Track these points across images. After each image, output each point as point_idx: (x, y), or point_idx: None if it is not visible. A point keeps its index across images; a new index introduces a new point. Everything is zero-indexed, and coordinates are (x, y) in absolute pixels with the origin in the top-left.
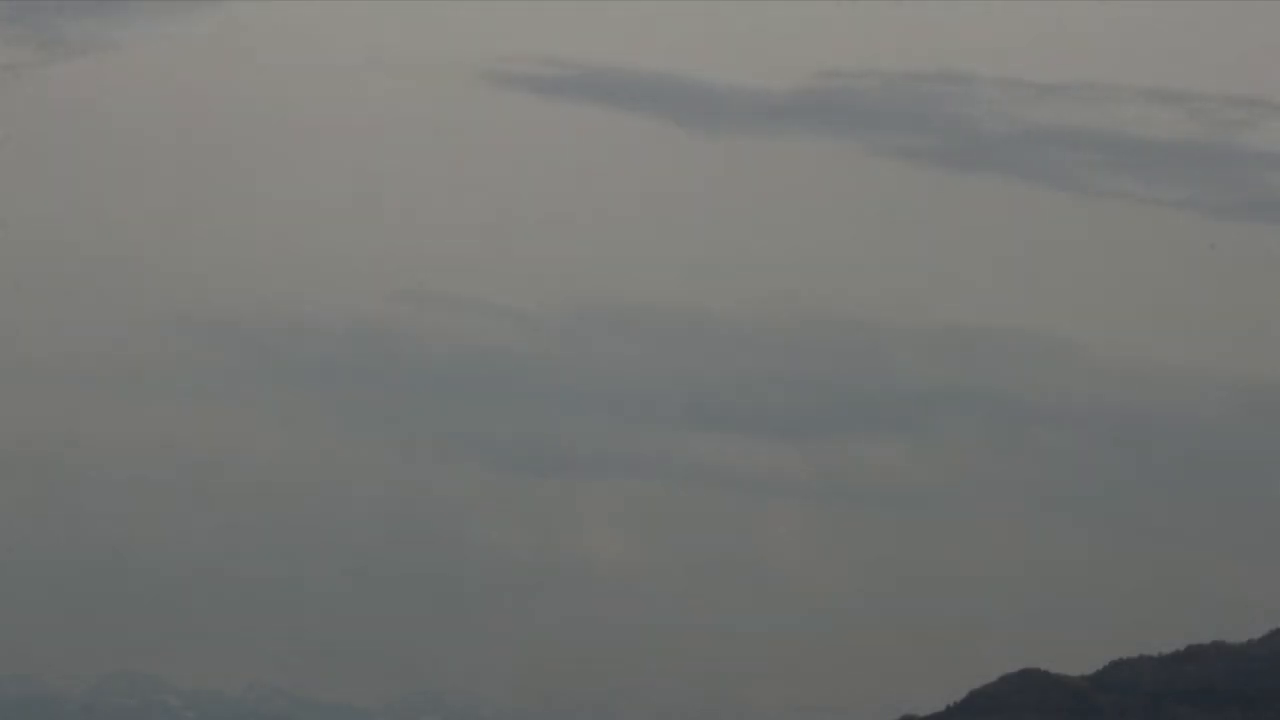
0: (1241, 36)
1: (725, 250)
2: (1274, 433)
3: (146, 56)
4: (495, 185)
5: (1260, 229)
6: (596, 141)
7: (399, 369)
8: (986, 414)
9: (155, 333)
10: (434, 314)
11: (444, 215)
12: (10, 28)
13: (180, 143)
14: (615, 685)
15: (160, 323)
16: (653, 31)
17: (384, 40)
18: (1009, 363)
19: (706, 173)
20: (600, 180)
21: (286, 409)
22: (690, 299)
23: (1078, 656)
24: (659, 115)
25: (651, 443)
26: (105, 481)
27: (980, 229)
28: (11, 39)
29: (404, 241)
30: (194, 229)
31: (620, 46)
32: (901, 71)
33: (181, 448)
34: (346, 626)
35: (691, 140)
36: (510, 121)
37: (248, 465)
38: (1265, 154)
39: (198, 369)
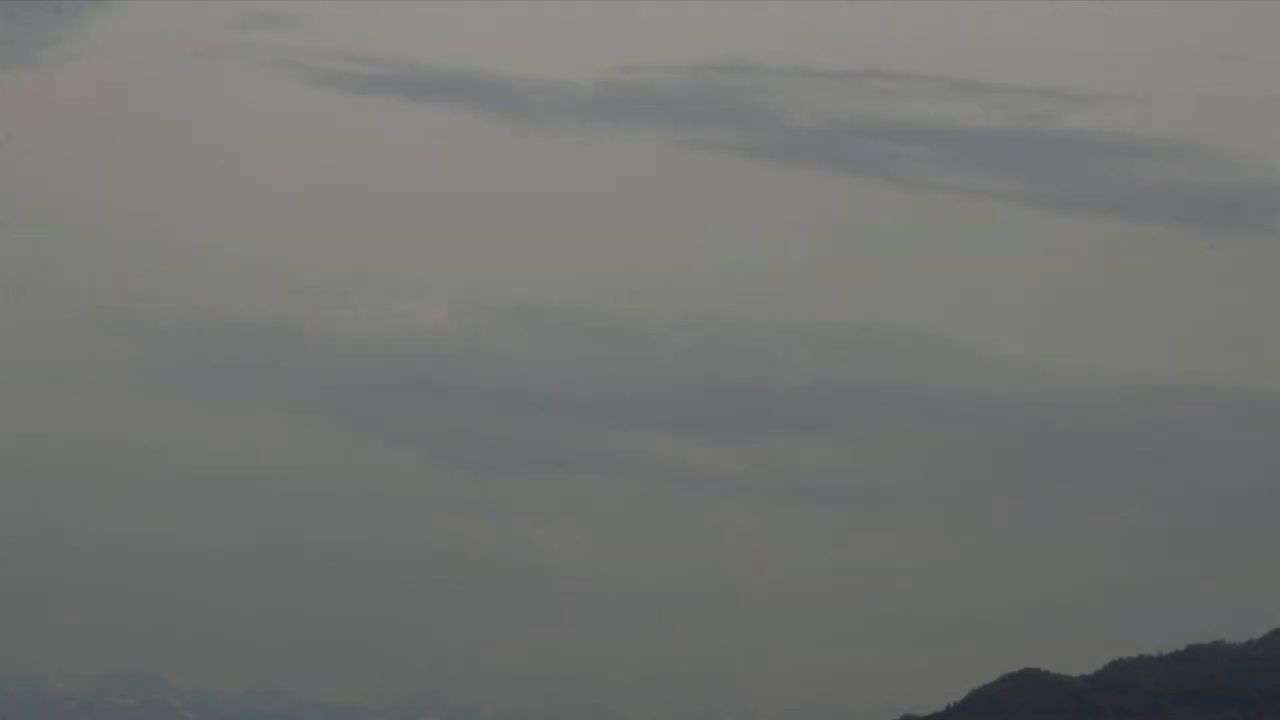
0: (1033, 28)
1: (569, 248)
2: (1142, 425)
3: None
4: (328, 183)
5: (1091, 221)
6: (408, 136)
7: (345, 369)
8: (898, 411)
9: (173, 334)
10: (326, 313)
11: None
12: None
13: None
14: (615, 685)
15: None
16: (457, 28)
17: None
18: (901, 361)
19: (532, 169)
20: (423, 177)
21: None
22: (575, 297)
23: (1078, 656)
24: (466, 110)
25: (600, 442)
26: (105, 482)
27: (819, 225)
28: None
29: (292, 241)
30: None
31: (425, 42)
32: (693, 64)
33: (181, 448)
34: (347, 626)
35: (512, 136)
36: (324, 118)
37: (247, 466)
38: (1080, 144)
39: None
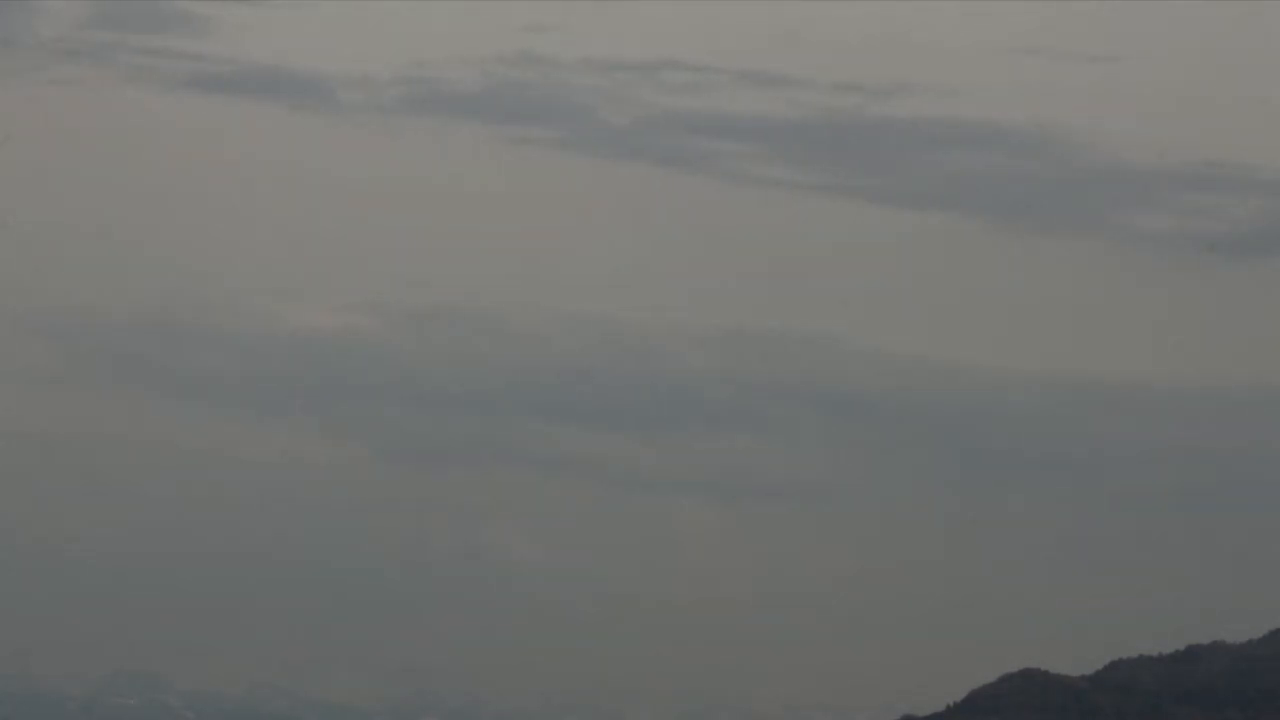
0: (825, 22)
1: (418, 245)
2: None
3: None
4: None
5: (925, 214)
6: (221, 131)
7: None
8: (812, 408)
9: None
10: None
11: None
12: None
13: None
14: (615, 685)
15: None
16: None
17: None
18: (791, 358)
19: (356, 164)
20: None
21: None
22: (447, 295)
23: (1078, 656)
24: (279, 106)
25: (546, 440)
26: (105, 481)
27: (662, 223)
28: None
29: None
30: None
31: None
32: (483, 58)
33: (182, 448)
34: (346, 626)
35: (326, 130)
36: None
37: (246, 467)
38: (899, 137)
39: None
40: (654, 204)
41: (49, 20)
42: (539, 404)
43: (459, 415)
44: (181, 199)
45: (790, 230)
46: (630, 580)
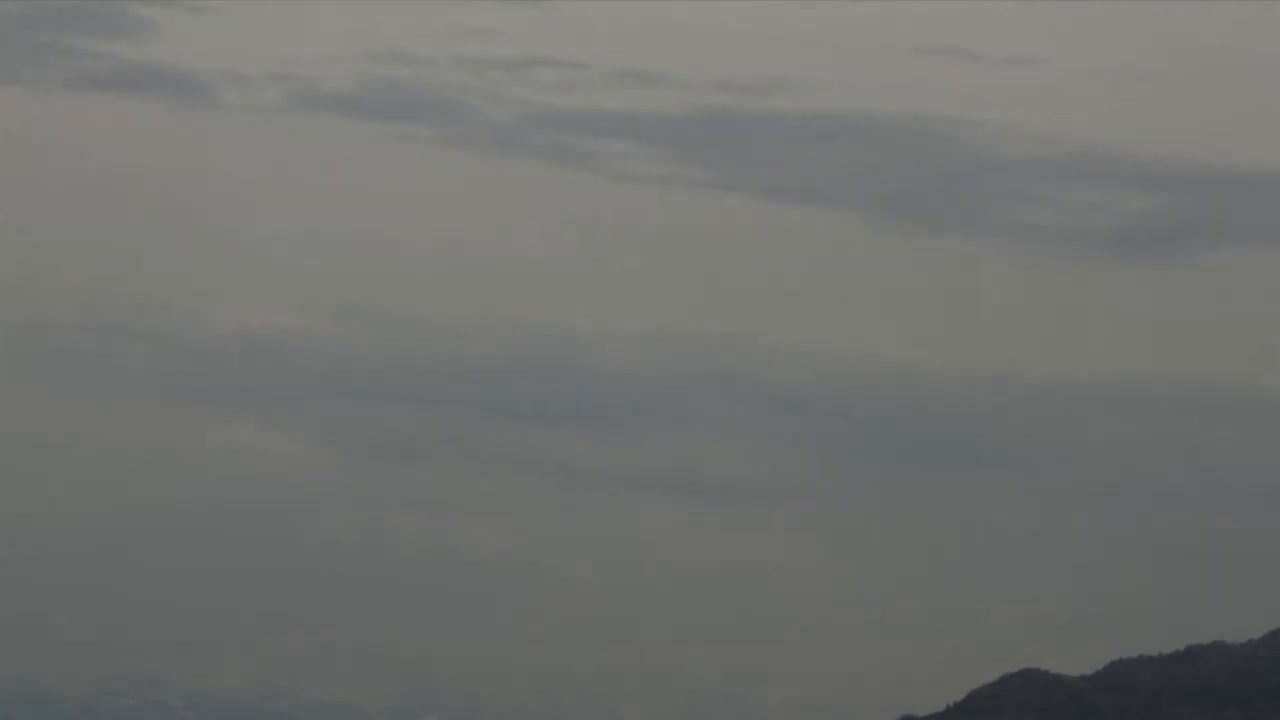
0: (691, 20)
1: (327, 244)
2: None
3: None
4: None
5: (819, 211)
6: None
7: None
8: (745, 405)
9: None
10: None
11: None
12: None
13: None
14: (615, 685)
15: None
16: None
17: None
18: (714, 357)
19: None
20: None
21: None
22: (368, 294)
23: (1078, 656)
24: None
25: (512, 440)
26: (105, 481)
27: (564, 223)
28: None
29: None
30: None
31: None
32: (353, 56)
33: (181, 449)
34: (346, 626)
35: (209, 128)
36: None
37: (246, 467)
38: (781, 133)
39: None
40: (548, 202)
41: None
42: (480, 402)
43: (412, 414)
44: (73, 199)
45: (686, 228)
46: (625, 579)
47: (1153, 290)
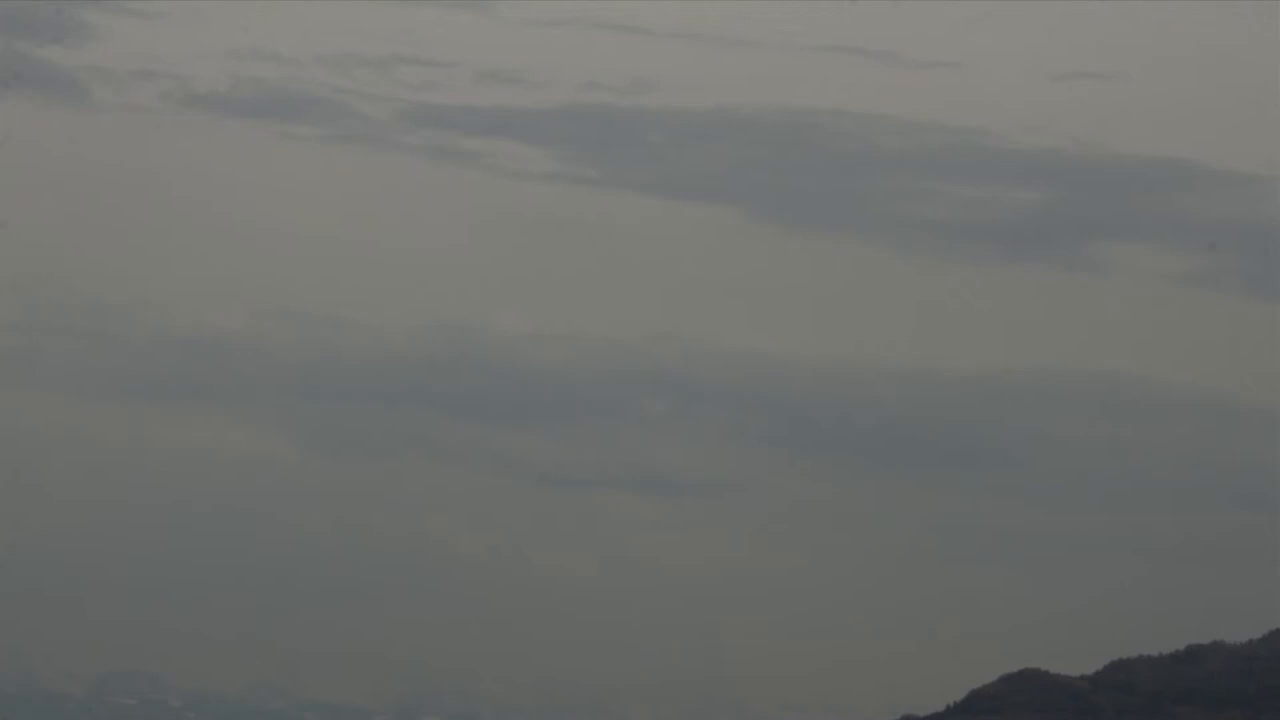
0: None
1: (246, 245)
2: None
3: None
4: None
5: (704, 207)
6: None
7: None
8: (667, 400)
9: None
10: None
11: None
12: None
13: None
14: (615, 685)
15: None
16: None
17: None
18: (648, 356)
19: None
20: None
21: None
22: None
23: (1078, 656)
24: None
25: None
26: (105, 481)
27: (460, 222)
28: None
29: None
30: None
31: None
32: (224, 53)
33: (180, 449)
34: (347, 626)
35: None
36: None
37: (245, 467)
38: (659, 130)
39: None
40: (441, 200)
41: None
42: (426, 400)
43: (366, 412)
44: None
45: (580, 224)
46: (614, 578)
47: (1041, 285)
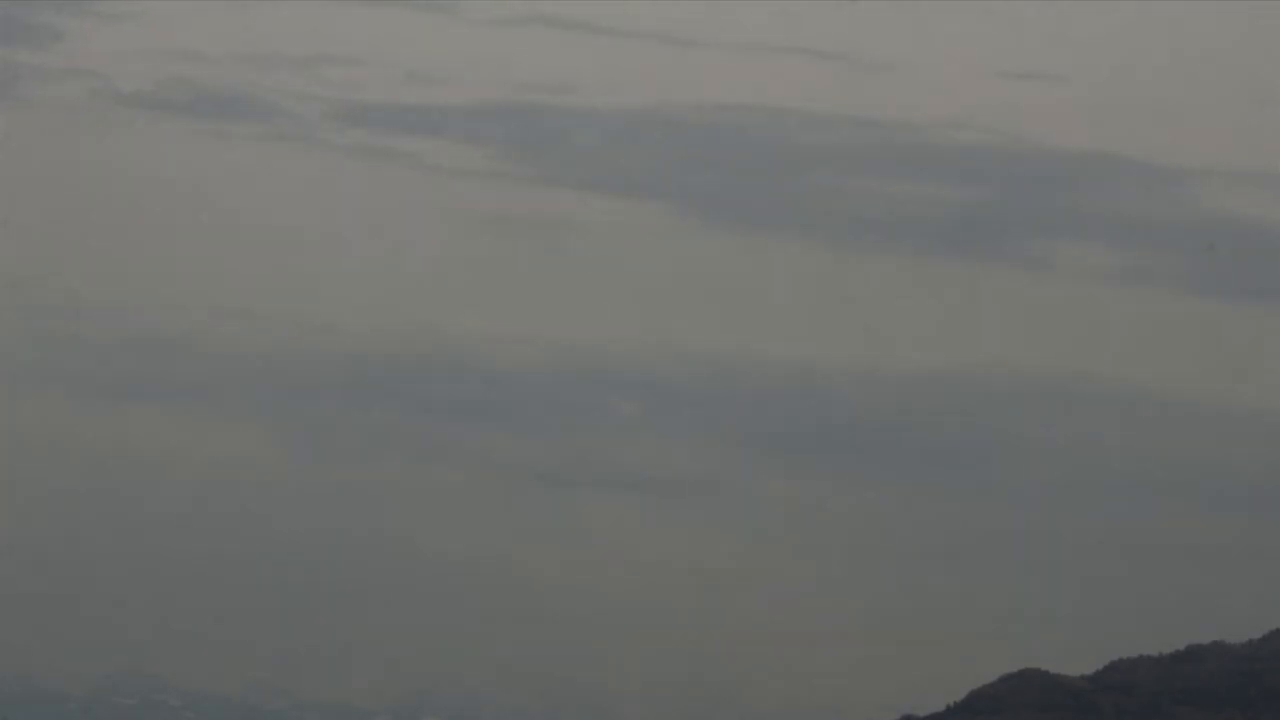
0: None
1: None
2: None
3: None
4: None
5: (640, 204)
6: None
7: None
8: (633, 401)
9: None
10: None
11: None
12: None
13: None
14: (615, 685)
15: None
16: None
17: None
18: (590, 356)
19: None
20: None
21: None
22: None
23: (1078, 656)
24: None
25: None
26: (106, 481)
27: (391, 217)
28: None
29: None
30: None
31: None
32: (142, 53)
33: (179, 450)
34: (347, 626)
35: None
36: None
37: (244, 467)
38: (589, 128)
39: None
40: (380, 198)
41: None
42: (401, 400)
43: (343, 412)
44: None
45: (519, 222)
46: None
47: (977, 281)
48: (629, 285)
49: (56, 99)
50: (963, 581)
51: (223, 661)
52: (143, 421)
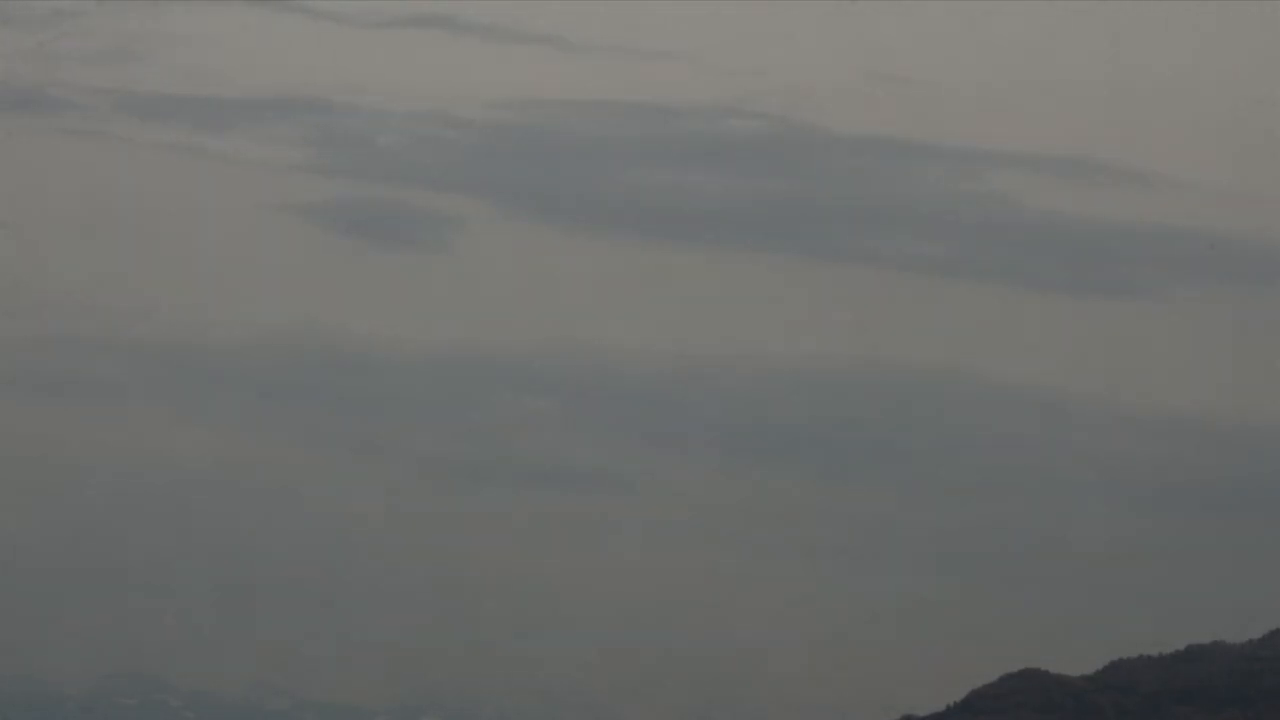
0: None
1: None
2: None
3: None
4: None
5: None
6: None
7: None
8: (557, 397)
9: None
10: None
11: None
12: None
13: None
14: (615, 685)
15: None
16: None
17: None
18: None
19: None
20: None
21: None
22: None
23: (1078, 656)
24: None
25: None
26: (106, 481)
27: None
28: None
29: None
30: None
31: None
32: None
33: (179, 451)
34: (346, 626)
35: None
36: None
37: (244, 467)
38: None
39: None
40: (192, 192)
41: None
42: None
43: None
44: None
45: (337, 214)
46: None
47: (791, 273)
48: (454, 280)
49: None
50: (963, 581)
51: (223, 661)
52: (143, 421)
